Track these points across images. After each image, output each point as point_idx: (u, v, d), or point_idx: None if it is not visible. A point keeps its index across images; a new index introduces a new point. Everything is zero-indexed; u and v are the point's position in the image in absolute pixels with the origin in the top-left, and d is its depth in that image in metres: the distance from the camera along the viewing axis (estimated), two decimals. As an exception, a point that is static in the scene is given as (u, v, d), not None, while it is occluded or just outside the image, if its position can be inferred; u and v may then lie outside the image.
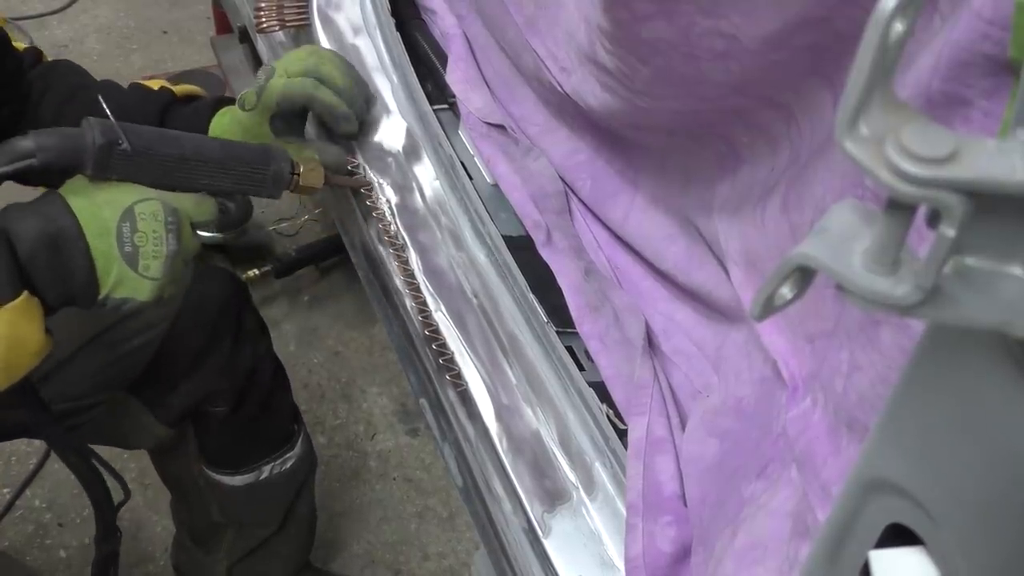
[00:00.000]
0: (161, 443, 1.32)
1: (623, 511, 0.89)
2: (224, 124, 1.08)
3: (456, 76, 1.30)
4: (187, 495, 1.42)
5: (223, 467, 1.33)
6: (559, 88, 1.10)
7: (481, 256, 1.13)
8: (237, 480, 1.34)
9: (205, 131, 1.08)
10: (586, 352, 1.04)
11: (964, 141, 0.28)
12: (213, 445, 1.31)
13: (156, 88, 1.13)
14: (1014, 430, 0.32)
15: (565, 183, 1.16)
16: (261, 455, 1.34)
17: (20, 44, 1.16)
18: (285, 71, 1.11)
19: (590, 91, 1.02)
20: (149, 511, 1.78)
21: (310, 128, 1.20)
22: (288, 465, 1.38)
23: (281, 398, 1.36)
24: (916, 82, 0.56)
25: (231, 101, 1.14)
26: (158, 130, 0.96)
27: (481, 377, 1.02)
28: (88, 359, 1.14)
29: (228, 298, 1.25)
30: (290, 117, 1.12)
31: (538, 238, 1.12)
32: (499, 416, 0.99)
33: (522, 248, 1.12)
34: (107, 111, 0.93)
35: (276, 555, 1.48)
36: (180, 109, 1.11)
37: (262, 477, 1.35)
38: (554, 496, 0.93)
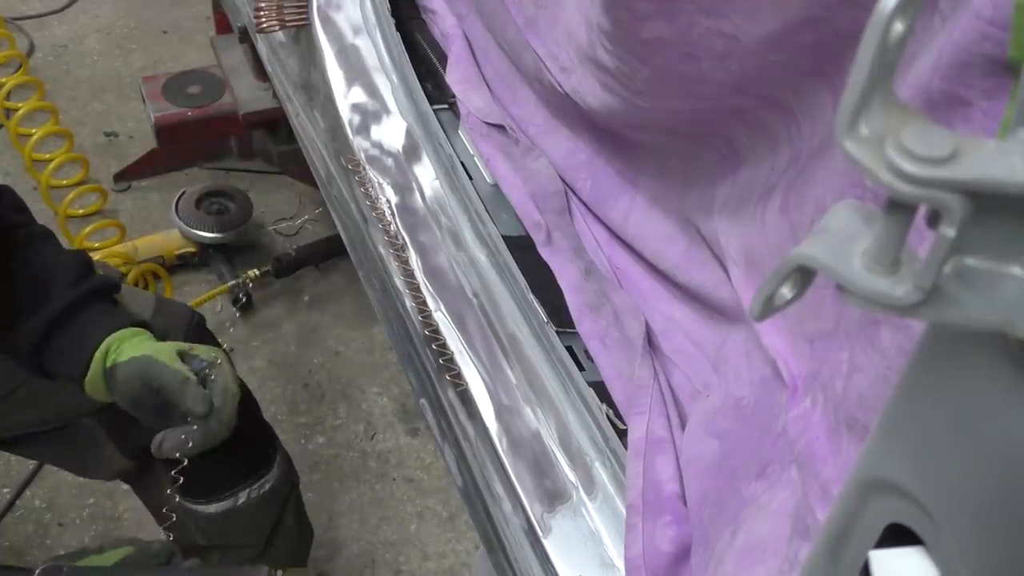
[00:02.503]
0: (123, 475, 1.29)
1: (623, 511, 0.89)
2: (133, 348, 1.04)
3: (456, 76, 1.30)
4: (167, 520, 1.41)
5: (197, 497, 1.30)
6: (559, 88, 1.10)
7: (481, 256, 1.13)
8: (212, 508, 1.30)
9: (91, 348, 1.03)
10: (586, 352, 1.04)
11: (964, 141, 0.28)
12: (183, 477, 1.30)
13: (75, 276, 1.07)
14: (1014, 430, 0.32)
15: (565, 183, 1.16)
16: (235, 482, 1.30)
17: None
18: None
19: (590, 91, 1.02)
20: (149, 510, 1.78)
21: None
22: (266, 488, 1.33)
23: (251, 425, 1.30)
24: (916, 82, 0.56)
25: (129, 319, 1.08)
26: None
27: (481, 377, 1.02)
28: (43, 393, 1.12)
29: (184, 335, 1.20)
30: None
31: (538, 238, 1.12)
32: (499, 416, 0.99)
33: (522, 248, 1.12)
34: None
35: None
36: (85, 312, 1.06)
37: (240, 503, 1.31)
38: (554, 496, 0.92)
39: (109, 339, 1.04)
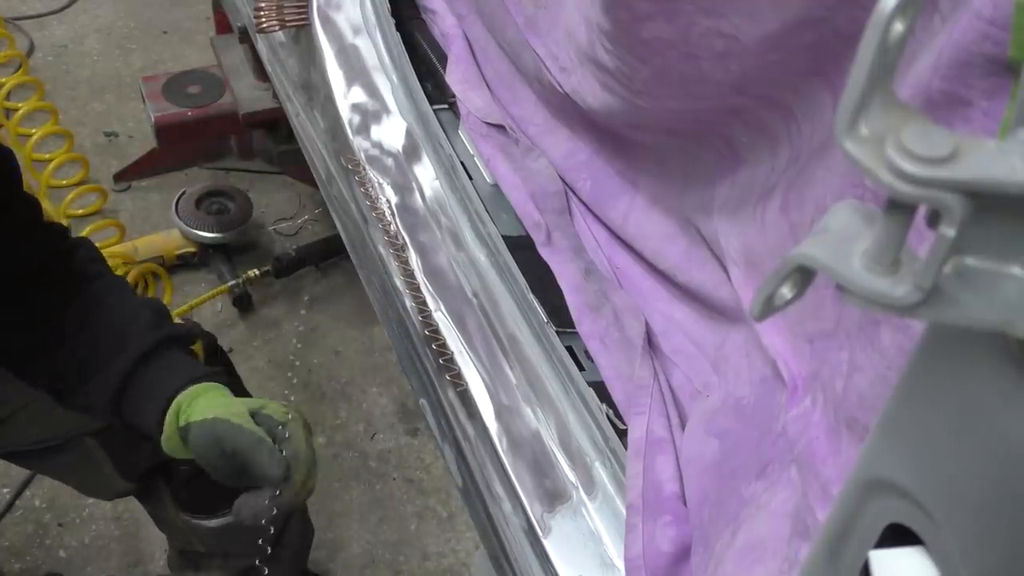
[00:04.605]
0: (123, 495, 1.28)
1: (623, 511, 0.89)
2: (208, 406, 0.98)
3: (456, 76, 1.30)
4: (169, 529, 1.41)
5: (198, 512, 1.29)
6: (559, 88, 1.10)
7: (481, 256, 1.13)
8: (214, 523, 1.30)
9: (162, 406, 0.99)
10: (586, 352, 1.04)
11: (964, 141, 0.28)
12: (184, 496, 1.28)
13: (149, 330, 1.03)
14: (1014, 430, 0.32)
15: (565, 183, 1.16)
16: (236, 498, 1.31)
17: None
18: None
19: (590, 91, 1.02)
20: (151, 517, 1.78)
21: None
22: None
23: None
24: (916, 82, 0.56)
25: (201, 371, 1.03)
26: None
27: (481, 377, 1.02)
28: (43, 409, 1.12)
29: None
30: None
31: (538, 238, 1.12)
32: (499, 416, 0.99)
33: (522, 248, 1.12)
34: None
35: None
36: (157, 362, 1.02)
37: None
38: (554, 496, 0.92)
39: (179, 398, 1.00)
